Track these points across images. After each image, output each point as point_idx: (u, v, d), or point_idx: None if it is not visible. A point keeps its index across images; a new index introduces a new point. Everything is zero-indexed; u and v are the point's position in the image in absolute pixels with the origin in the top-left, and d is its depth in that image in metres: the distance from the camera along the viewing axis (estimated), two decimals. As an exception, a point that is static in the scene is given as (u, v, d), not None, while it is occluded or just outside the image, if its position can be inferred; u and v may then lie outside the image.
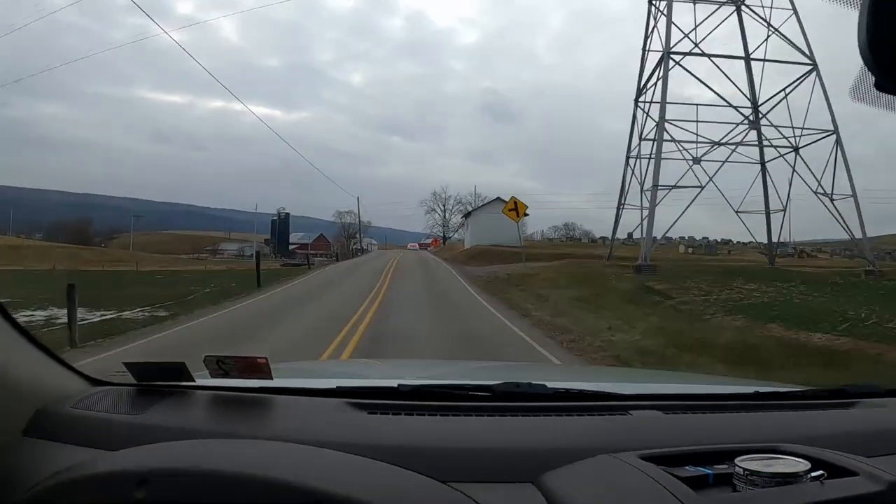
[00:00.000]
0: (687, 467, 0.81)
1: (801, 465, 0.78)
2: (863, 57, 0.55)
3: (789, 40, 22.13)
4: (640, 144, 24.95)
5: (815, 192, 22.15)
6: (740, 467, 0.78)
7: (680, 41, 22.80)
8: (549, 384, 1.21)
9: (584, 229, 77.94)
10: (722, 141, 22.98)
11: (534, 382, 1.21)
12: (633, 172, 25.75)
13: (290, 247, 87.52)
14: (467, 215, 58.18)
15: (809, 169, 22.75)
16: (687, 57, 22.85)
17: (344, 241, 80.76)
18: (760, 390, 1.31)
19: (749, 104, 23.96)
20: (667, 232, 25.58)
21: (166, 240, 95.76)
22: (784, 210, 24.67)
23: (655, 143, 22.36)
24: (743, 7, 23.62)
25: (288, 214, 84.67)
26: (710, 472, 0.80)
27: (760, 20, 22.81)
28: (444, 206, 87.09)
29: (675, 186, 22.56)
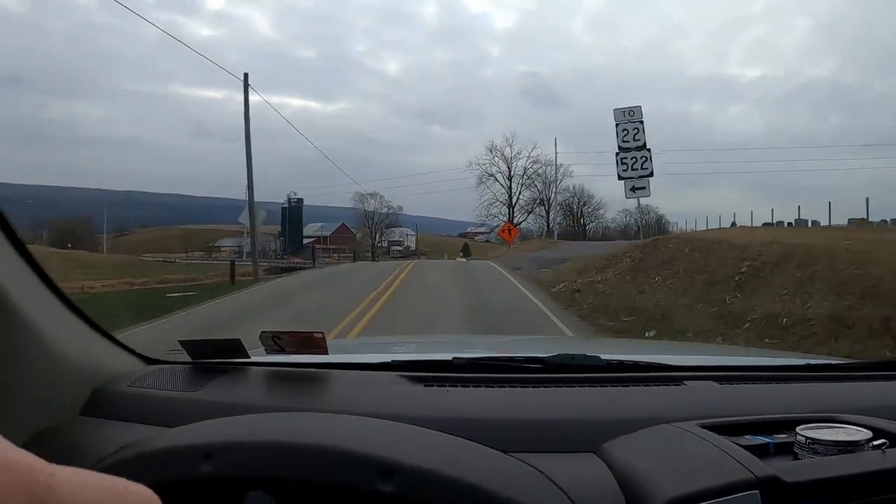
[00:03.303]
0: (747, 436, 0.81)
1: (863, 433, 0.77)
2: None
3: None
4: None
5: None
6: (802, 435, 0.77)
7: None
8: (603, 356, 1.22)
9: (658, 213, 62.46)
10: None
11: (588, 354, 1.21)
12: None
13: (305, 241, 71.69)
14: None
15: None
16: None
17: (367, 230, 63.18)
18: (813, 362, 1.33)
19: None
20: None
21: (176, 234, 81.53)
22: None
23: None
24: None
25: (301, 201, 68.04)
26: (770, 440, 0.80)
27: None
28: (509, 165, 56.05)
29: None
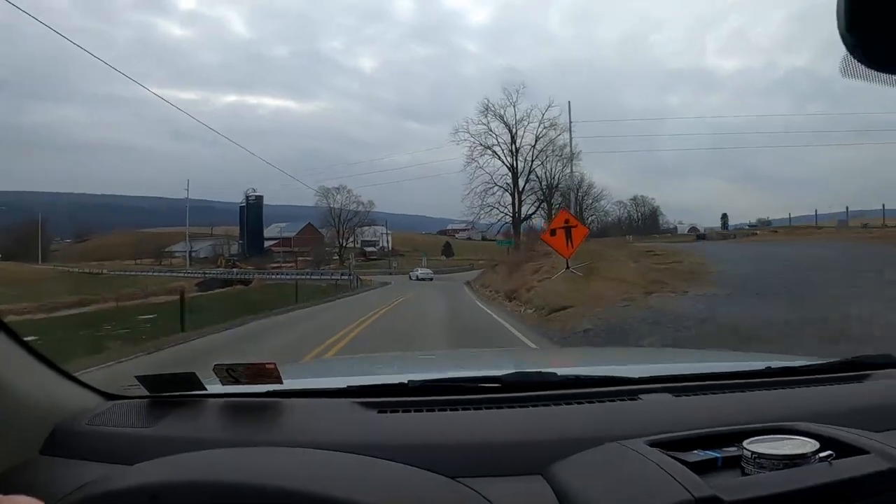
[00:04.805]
0: (695, 451, 0.81)
1: (810, 445, 0.77)
2: (844, 40, 0.55)
3: None
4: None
5: None
6: (748, 450, 0.77)
7: None
8: (559, 371, 1.23)
9: (653, 204, 56.18)
10: None
11: (543, 371, 1.22)
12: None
13: (267, 243, 64.26)
14: None
15: None
16: None
17: (335, 232, 55.54)
18: (773, 366, 1.32)
19: None
20: None
21: (140, 239, 73.99)
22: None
23: None
24: None
25: (260, 198, 61.17)
26: (718, 455, 0.80)
27: None
28: (513, 133, 39.49)
29: None
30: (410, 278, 41.36)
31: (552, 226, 16.24)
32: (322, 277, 34.47)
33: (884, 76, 0.56)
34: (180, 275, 42.17)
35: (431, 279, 39.98)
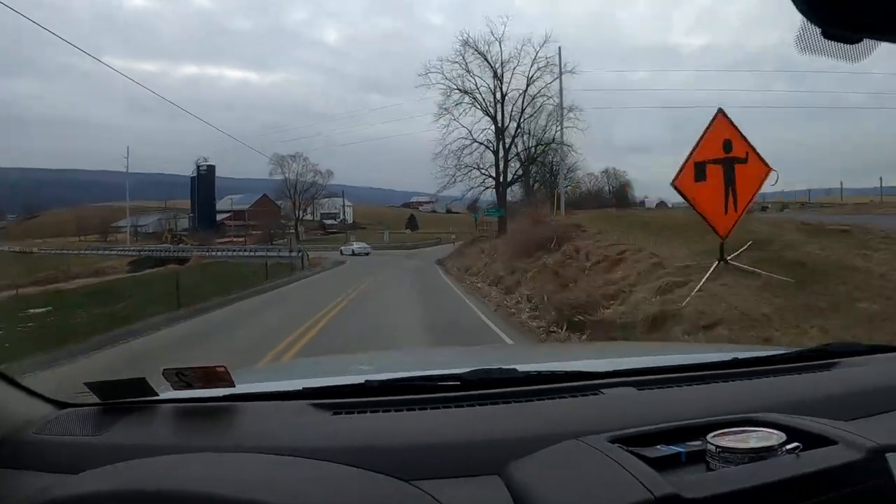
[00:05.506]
0: (659, 446, 0.79)
1: (776, 437, 0.76)
2: (800, 9, 0.52)
3: None
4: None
5: None
6: (712, 444, 0.75)
7: None
8: (521, 367, 1.19)
9: (625, 178, 54.56)
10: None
11: (504, 367, 1.19)
12: None
13: (220, 216, 60.96)
14: None
15: None
16: None
17: (292, 204, 52.42)
18: (740, 356, 1.28)
19: None
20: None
21: (88, 214, 69.85)
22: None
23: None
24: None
25: (212, 168, 57.61)
26: (682, 450, 0.78)
27: None
28: (499, 76, 31.35)
29: None
30: (342, 254, 36.97)
31: (699, 156, 7.22)
32: (268, 255, 31.82)
33: (838, 48, 0.52)
34: (113, 252, 39.21)
35: (368, 254, 37.83)
